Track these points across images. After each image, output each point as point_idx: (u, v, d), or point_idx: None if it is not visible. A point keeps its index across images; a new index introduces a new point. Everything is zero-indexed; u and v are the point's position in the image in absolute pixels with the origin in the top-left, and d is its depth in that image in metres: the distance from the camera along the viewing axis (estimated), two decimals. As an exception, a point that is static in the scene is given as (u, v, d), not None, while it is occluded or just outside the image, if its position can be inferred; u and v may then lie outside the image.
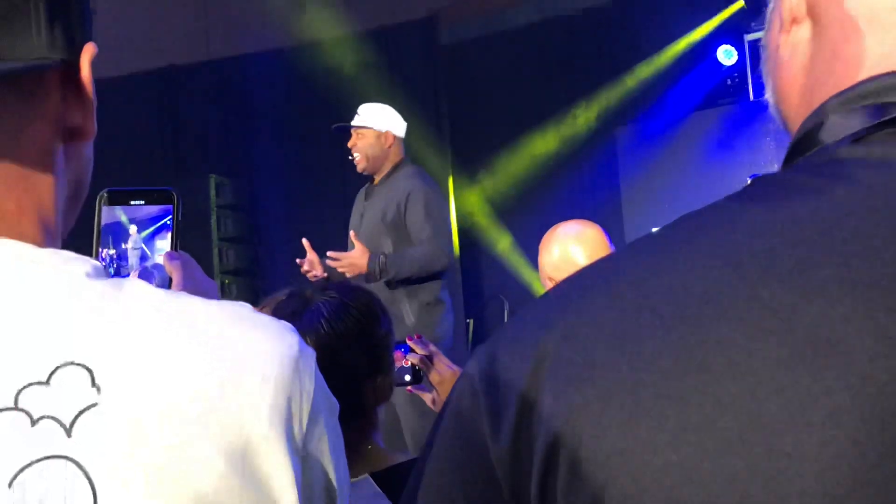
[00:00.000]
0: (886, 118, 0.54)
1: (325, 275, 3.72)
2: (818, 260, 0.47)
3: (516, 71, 6.83)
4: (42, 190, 0.66)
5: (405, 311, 3.84)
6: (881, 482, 0.43)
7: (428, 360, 1.87)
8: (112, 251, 1.00)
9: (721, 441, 0.45)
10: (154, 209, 1.01)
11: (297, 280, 3.55)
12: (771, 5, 0.70)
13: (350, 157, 4.09)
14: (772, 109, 0.69)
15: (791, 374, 0.45)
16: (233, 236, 7.12)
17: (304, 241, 3.71)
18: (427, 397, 1.91)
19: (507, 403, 0.52)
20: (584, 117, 6.61)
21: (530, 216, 6.07)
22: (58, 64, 0.64)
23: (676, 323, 0.48)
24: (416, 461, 1.56)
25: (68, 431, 0.56)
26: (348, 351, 1.47)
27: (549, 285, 2.32)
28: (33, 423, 0.56)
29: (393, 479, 1.46)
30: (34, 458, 0.55)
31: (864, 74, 0.58)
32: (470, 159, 6.86)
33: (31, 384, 0.56)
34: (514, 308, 6.32)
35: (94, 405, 0.57)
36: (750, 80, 5.98)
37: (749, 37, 5.97)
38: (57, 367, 0.57)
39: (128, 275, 0.99)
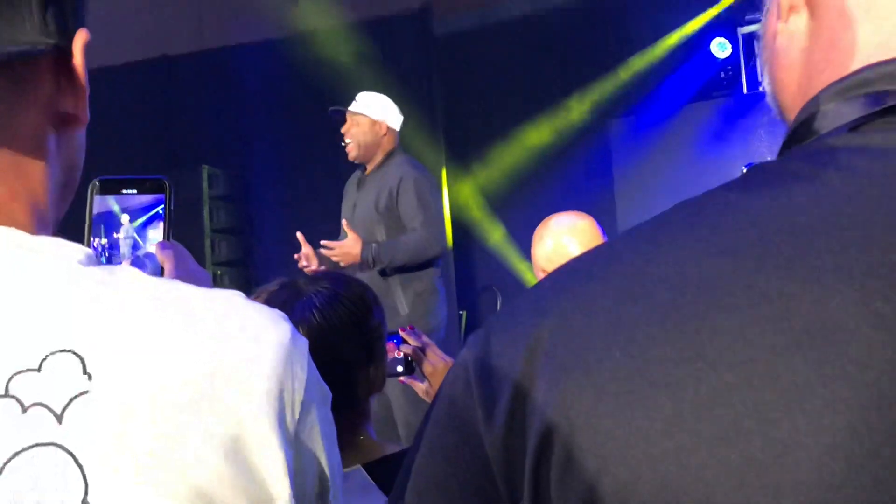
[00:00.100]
0: (884, 106, 0.54)
1: (323, 268, 3.72)
2: (815, 248, 0.47)
3: (510, 63, 6.82)
4: (34, 176, 0.65)
5: (399, 301, 3.84)
6: (878, 470, 0.43)
7: (421, 351, 1.87)
8: (104, 240, 0.99)
9: (716, 429, 0.45)
10: (146, 198, 1.01)
11: (290, 272, 3.55)
12: None
13: (342, 143, 4.08)
14: (768, 98, 0.69)
15: (787, 362, 0.45)
16: (225, 227, 7.10)
17: (299, 235, 3.70)
18: (420, 388, 1.91)
19: (501, 391, 0.52)
20: (577, 109, 6.61)
21: (523, 208, 6.07)
22: (50, 49, 0.63)
23: (672, 311, 0.48)
24: (408, 452, 1.56)
25: (59, 419, 0.56)
26: (341, 341, 1.46)
27: (542, 277, 2.32)
28: (24, 410, 0.56)
29: (384, 470, 1.46)
30: (25, 446, 0.55)
31: (861, 63, 0.57)
32: (463, 151, 6.86)
33: (22, 371, 0.56)
34: (507, 300, 6.32)
35: (85, 392, 0.56)
36: (744, 73, 5.99)
37: (743, 30, 5.98)
38: (48, 355, 0.57)
39: (119, 264, 0.98)
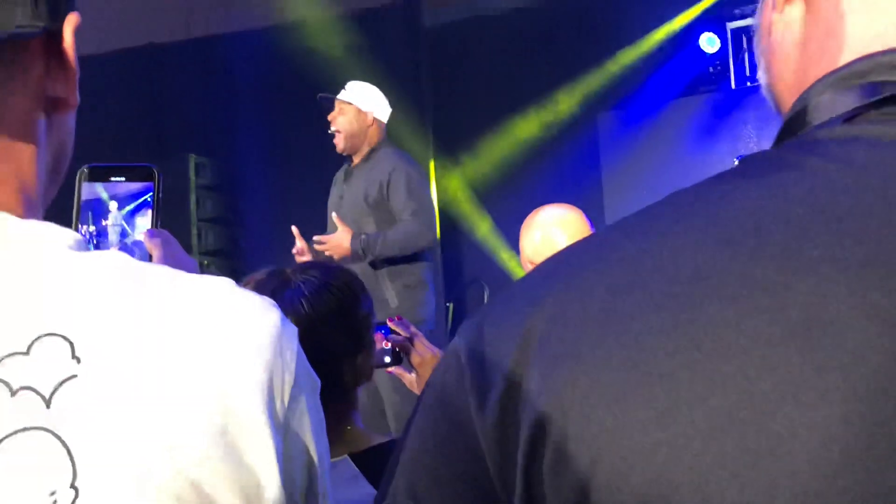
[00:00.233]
0: (880, 97, 0.53)
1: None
2: (811, 239, 0.47)
3: (499, 55, 6.81)
4: (23, 160, 0.65)
5: (388, 293, 3.84)
6: (872, 462, 0.43)
7: (408, 341, 1.87)
8: (92, 228, 0.99)
9: (711, 420, 0.45)
10: (135, 186, 1.00)
11: (277, 261, 3.54)
12: None
13: (329, 132, 4.08)
14: (763, 90, 0.69)
15: (783, 353, 0.45)
16: (212, 217, 7.07)
17: (294, 229, 3.69)
18: (407, 378, 1.91)
19: (494, 380, 0.52)
20: (566, 102, 6.61)
21: (511, 200, 6.07)
22: (40, 32, 0.63)
23: (666, 301, 0.48)
24: (395, 442, 1.56)
25: (47, 403, 0.56)
26: (328, 331, 1.46)
27: (530, 269, 2.33)
28: (12, 393, 0.55)
29: (372, 460, 1.46)
30: (13, 430, 0.55)
31: (857, 54, 0.57)
32: (452, 143, 6.85)
33: (10, 354, 0.56)
34: (495, 292, 6.32)
35: (73, 377, 0.56)
36: (732, 68, 5.99)
37: (732, 25, 5.98)
38: (37, 338, 0.56)
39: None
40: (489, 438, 0.52)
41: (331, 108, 4.10)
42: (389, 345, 1.88)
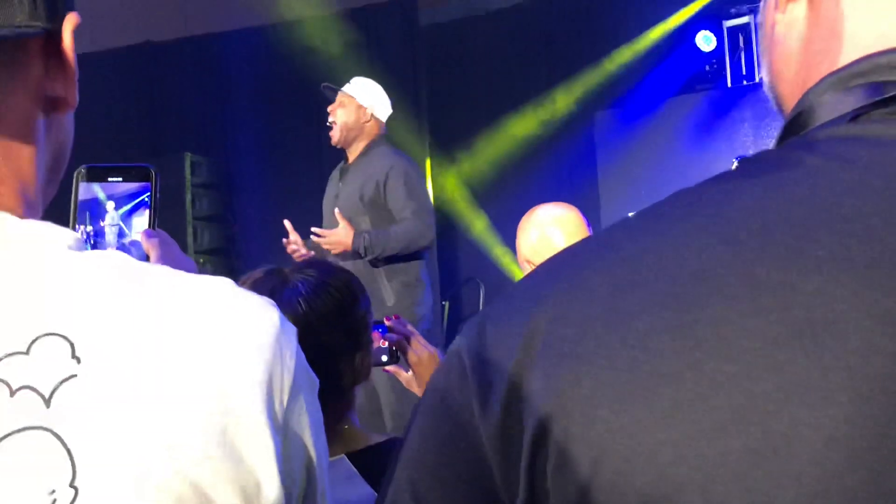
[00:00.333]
0: (883, 97, 0.53)
1: (312, 253, 3.71)
2: (815, 238, 0.47)
3: (496, 53, 6.82)
4: (22, 160, 0.65)
5: (385, 292, 3.84)
6: (877, 463, 0.43)
7: (406, 340, 1.87)
8: (89, 228, 0.99)
9: (715, 420, 0.45)
10: (132, 186, 1.00)
11: (273, 260, 3.53)
12: None
13: (327, 123, 4.08)
14: (766, 89, 0.69)
15: (787, 353, 0.45)
16: (208, 215, 7.06)
17: (286, 223, 3.68)
18: (404, 377, 1.91)
19: (497, 380, 0.51)
20: (562, 101, 6.61)
21: (507, 199, 6.07)
22: (40, 32, 0.63)
23: (670, 300, 0.48)
24: (392, 441, 1.55)
25: (47, 402, 0.56)
26: (326, 330, 1.46)
27: (527, 268, 2.32)
28: (12, 393, 0.55)
29: (369, 460, 1.46)
30: (12, 429, 0.55)
31: (860, 53, 0.57)
32: (448, 141, 6.85)
33: (10, 354, 0.56)
34: (490, 290, 6.33)
35: (73, 376, 0.56)
36: (728, 67, 6.00)
37: (728, 23, 5.99)
38: (37, 338, 0.56)
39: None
40: (492, 438, 0.51)
41: (333, 99, 4.10)
42: (387, 344, 1.88)
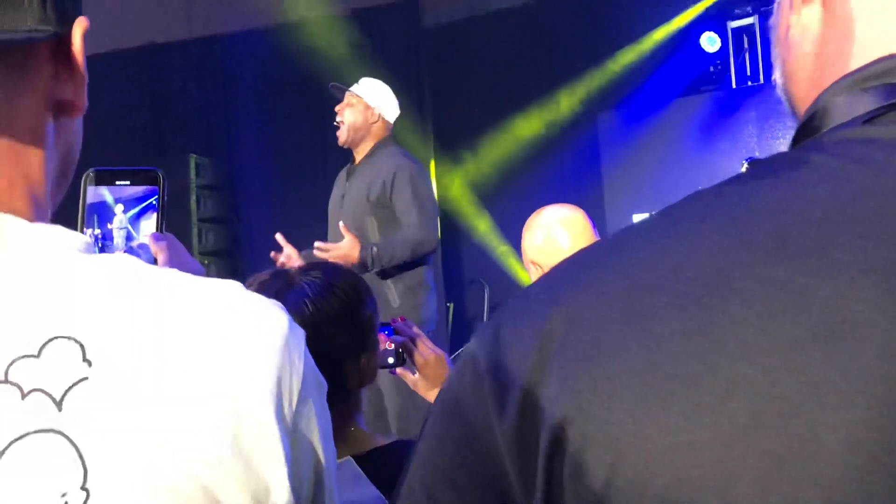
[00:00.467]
0: None
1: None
2: (833, 240, 0.47)
3: (499, 54, 6.81)
4: (32, 164, 0.65)
5: (390, 294, 3.82)
6: None
7: (412, 342, 1.87)
8: (97, 231, 0.99)
9: (734, 423, 0.45)
10: (139, 189, 1.01)
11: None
12: None
13: (335, 123, 4.06)
14: (779, 91, 0.69)
15: (806, 356, 0.44)
16: (212, 217, 7.07)
17: (278, 236, 3.61)
18: (410, 379, 1.91)
19: (513, 382, 0.51)
20: (566, 102, 6.60)
21: (512, 200, 6.07)
22: (49, 37, 0.63)
23: (688, 302, 0.48)
24: (398, 444, 1.55)
25: (59, 405, 0.56)
26: (333, 332, 1.46)
27: (532, 269, 2.32)
28: (24, 396, 0.55)
29: (375, 462, 1.46)
30: (24, 432, 0.55)
31: (875, 55, 0.57)
32: (452, 143, 6.85)
33: (21, 357, 0.56)
34: (495, 292, 6.33)
35: (84, 379, 0.56)
36: (733, 68, 5.99)
37: (732, 24, 5.98)
38: (48, 341, 0.57)
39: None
40: (509, 441, 0.51)
41: (340, 99, 4.09)
42: (393, 346, 1.88)
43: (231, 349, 0.60)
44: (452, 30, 7.05)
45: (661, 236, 0.53)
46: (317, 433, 0.65)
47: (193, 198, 6.86)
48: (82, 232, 0.96)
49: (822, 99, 0.58)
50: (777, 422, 0.44)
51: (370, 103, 4.01)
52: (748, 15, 5.93)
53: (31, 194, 0.65)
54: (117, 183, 0.99)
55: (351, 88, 4.05)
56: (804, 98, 0.63)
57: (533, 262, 2.31)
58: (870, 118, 0.54)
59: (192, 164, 6.90)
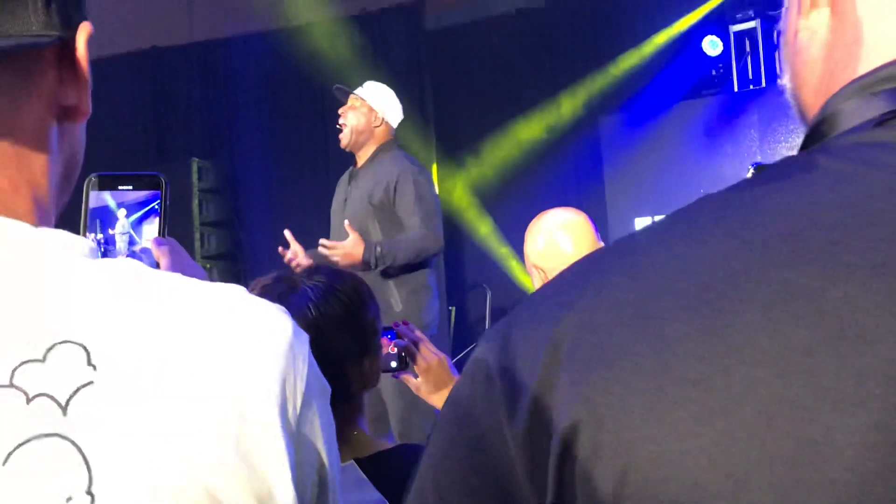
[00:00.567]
0: None
1: (312, 263, 3.67)
2: (846, 244, 0.47)
3: (501, 58, 6.82)
4: (36, 168, 0.65)
5: (393, 297, 3.81)
6: None
7: (414, 346, 1.87)
8: (100, 235, 1.00)
9: (747, 426, 0.44)
10: (142, 194, 1.01)
11: (280, 265, 3.54)
12: None
13: (337, 125, 4.05)
14: (787, 95, 0.69)
15: (819, 360, 0.44)
16: (214, 220, 7.08)
17: (287, 233, 3.62)
18: (413, 383, 1.91)
19: (524, 386, 0.51)
20: (568, 106, 6.61)
21: (513, 204, 6.07)
22: (54, 42, 0.63)
23: (700, 305, 0.47)
24: (401, 448, 1.55)
25: (64, 409, 0.56)
26: (336, 335, 1.46)
27: (535, 273, 2.32)
28: (28, 400, 0.56)
29: (378, 466, 1.46)
30: (29, 436, 0.55)
31: (884, 59, 0.57)
32: (454, 146, 6.86)
33: (26, 362, 0.56)
34: (497, 296, 6.33)
35: (89, 383, 0.57)
36: (735, 71, 6.00)
37: (734, 28, 5.99)
38: (53, 345, 0.57)
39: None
40: (519, 445, 0.51)
41: (344, 101, 4.08)
42: (396, 349, 1.88)
43: (235, 353, 0.60)
44: (455, 33, 7.06)
45: (671, 239, 0.52)
46: (321, 437, 0.65)
47: (195, 201, 6.88)
48: (84, 237, 0.97)
49: (832, 104, 0.58)
50: (790, 426, 0.44)
51: (374, 106, 4.00)
52: (750, 19, 5.94)
53: (35, 199, 0.65)
54: (120, 188, 1.00)
55: (355, 91, 4.04)
56: (813, 103, 0.63)
57: (535, 266, 2.31)
58: (880, 122, 0.53)
59: (194, 168, 6.92)
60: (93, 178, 0.99)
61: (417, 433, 3.54)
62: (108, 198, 1.00)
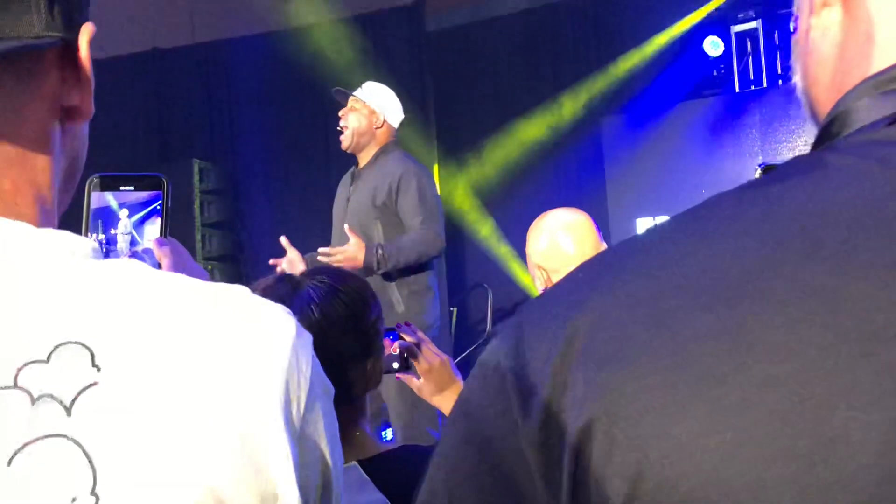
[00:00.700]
0: None
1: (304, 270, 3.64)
2: (861, 242, 0.47)
3: (502, 59, 6.83)
4: (39, 169, 0.65)
5: (395, 298, 3.81)
6: None
7: (416, 347, 1.87)
8: (101, 236, 1.00)
9: (764, 423, 0.44)
10: (143, 195, 1.01)
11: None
12: None
13: (338, 128, 4.05)
14: (799, 93, 0.68)
15: (836, 357, 0.44)
16: (216, 222, 7.08)
17: (283, 239, 3.59)
18: (415, 384, 1.91)
19: (537, 384, 0.51)
20: (570, 106, 6.61)
21: (515, 204, 6.08)
22: (56, 43, 0.63)
23: (715, 303, 0.47)
24: (404, 449, 1.54)
25: (68, 410, 0.56)
26: (339, 336, 1.46)
27: (537, 274, 2.31)
28: (33, 401, 0.56)
29: (380, 467, 1.46)
30: (34, 437, 0.55)
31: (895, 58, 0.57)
32: (455, 147, 6.86)
33: (30, 363, 0.56)
34: (498, 297, 6.33)
35: (94, 384, 0.57)
36: (736, 72, 6.00)
37: (735, 28, 5.99)
38: (57, 346, 0.57)
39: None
40: (533, 443, 0.51)
41: (344, 103, 4.07)
42: (398, 350, 1.88)
43: (239, 353, 0.60)
44: (456, 34, 7.06)
45: (686, 237, 0.52)
46: (324, 437, 0.65)
47: (197, 203, 6.88)
48: (86, 237, 0.97)
49: (844, 102, 0.58)
50: (809, 423, 0.44)
51: (374, 108, 4.00)
52: (751, 19, 5.94)
53: (38, 200, 0.65)
54: (121, 188, 1.00)
55: (355, 93, 4.03)
56: (825, 101, 0.63)
57: (538, 267, 2.31)
58: (893, 120, 0.53)
59: (196, 169, 6.92)
60: (95, 178, 0.99)
61: (419, 434, 3.54)
62: (110, 198, 1.00)
